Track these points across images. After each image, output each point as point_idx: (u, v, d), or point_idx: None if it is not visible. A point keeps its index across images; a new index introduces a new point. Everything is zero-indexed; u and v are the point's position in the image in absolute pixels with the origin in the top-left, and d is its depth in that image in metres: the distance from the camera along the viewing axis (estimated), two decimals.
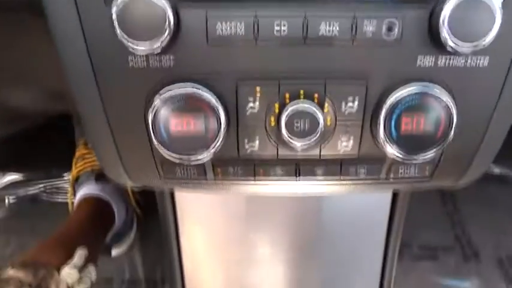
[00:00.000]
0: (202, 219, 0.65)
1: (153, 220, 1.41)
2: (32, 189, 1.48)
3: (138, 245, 1.37)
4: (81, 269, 0.78)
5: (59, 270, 0.74)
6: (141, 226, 1.38)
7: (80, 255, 0.78)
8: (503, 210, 1.47)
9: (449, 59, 0.39)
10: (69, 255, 0.78)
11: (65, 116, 1.29)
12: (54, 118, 1.22)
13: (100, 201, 1.12)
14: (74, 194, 1.20)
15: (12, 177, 1.49)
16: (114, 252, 1.30)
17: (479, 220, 1.45)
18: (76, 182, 1.20)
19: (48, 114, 0.91)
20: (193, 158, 0.41)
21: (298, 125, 0.39)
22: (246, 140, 0.42)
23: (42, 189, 1.48)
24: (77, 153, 1.26)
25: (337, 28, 0.37)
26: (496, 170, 1.60)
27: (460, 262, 1.33)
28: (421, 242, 1.37)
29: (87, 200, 1.10)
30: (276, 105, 0.40)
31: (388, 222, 0.65)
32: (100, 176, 1.17)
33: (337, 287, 0.69)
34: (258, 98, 0.40)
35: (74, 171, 1.23)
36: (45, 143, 1.52)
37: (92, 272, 0.79)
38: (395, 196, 0.64)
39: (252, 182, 0.46)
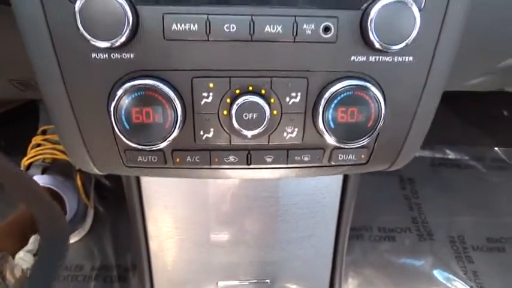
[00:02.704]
0: (168, 203, 0.69)
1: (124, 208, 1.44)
2: None
3: (108, 232, 1.40)
4: (36, 254, 0.80)
5: (14, 255, 0.76)
6: (97, 217, 1.39)
7: (34, 240, 0.81)
8: (456, 193, 1.57)
9: (379, 56, 0.44)
10: (23, 241, 0.80)
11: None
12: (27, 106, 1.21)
13: (50, 192, 1.13)
14: None
15: None
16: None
17: (434, 203, 1.55)
18: (27, 171, 1.19)
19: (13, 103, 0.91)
20: (153, 146, 0.45)
21: (247, 116, 0.44)
22: (201, 130, 0.47)
23: None
24: (33, 141, 1.24)
25: (280, 28, 0.42)
26: (451, 155, 1.71)
27: (416, 242, 1.42)
28: (380, 224, 1.46)
29: None
30: (228, 99, 0.45)
31: (339, 203, 0.72)
32: (47, 169, 1.16)
33: (294, 264, 0.75)
34: (211, 92, 0.45)
35: (26, 159, 1.20)
36: (19, 131, 1.51)
37: None
38: (345, 179, 0.70)
39: (208, 168, 0.51)
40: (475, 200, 1.55)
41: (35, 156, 1.20)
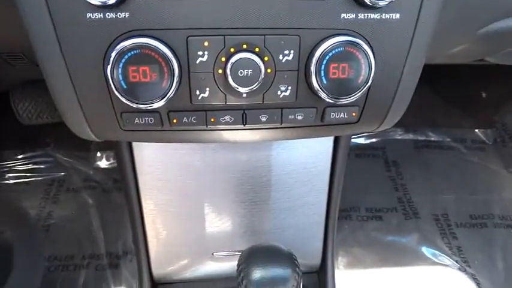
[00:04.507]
0: (161, 176, 0.70)
1: (115, 198, 1.44)
2: None
3: (97, 221, 1.39)
4: None
5: None
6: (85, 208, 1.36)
7: None
8: (439, 173, 1.62)
9: (367, 14, 0.46)
10: None
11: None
12: None
13: None
14: None
15: None
16: None
17: (418, 183, 1.59)
18: None
19: None
20: (150, 105, 0.46)
21: (242, 72, 0.45)
22: (197, 89, 0.48)
23: None
24: None
25: None
26: (433, 138, 1.76)
27: (402, 221, 1.45)
28: (367, 205, 1.49)
29: None
30: (223, 57, 0.46)
31: (330, 171, 0.73)
32: None
33: (287, 233, 0.76)
34: (206, 51, 0.46)
35: None
36: None
37: None
38: (335, 148, 0.72)
39: (205, 130, 0.52)
40: (457, 179, 1.60)
41: None
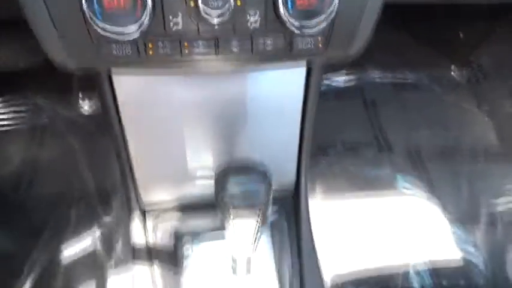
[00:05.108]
0: (142, 108, 0.73)
1: (100, 140, 1.47)
2: None
3: (84, 164, 1.43)
4: None
5: None
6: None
7: None
8: (415, 112, 1.69)
9: None
10: None
11: None
12: None
13: None
14: None
15: None
16: None
17: (395, 121, 1.65)
18: None
19: None
20: (125, 31, 0.48)
21: (213, 3, 0.48)
22: (170, 17, 0.50)
23: None
24: None
25: None
26: (410, 78, 1.80)
27: (376, 154, 1.53)
28: (344, 141, 1.56)
29: None
30: None
31: (303, 100, 0.78)
32: None
33: (263, 161, 0.82)
34: None
35: None
36: None
37: None
38: (307, 83, 0.76)
39: (180, 60, 0.55)
40: (432, 117, 1.67)
41: None
